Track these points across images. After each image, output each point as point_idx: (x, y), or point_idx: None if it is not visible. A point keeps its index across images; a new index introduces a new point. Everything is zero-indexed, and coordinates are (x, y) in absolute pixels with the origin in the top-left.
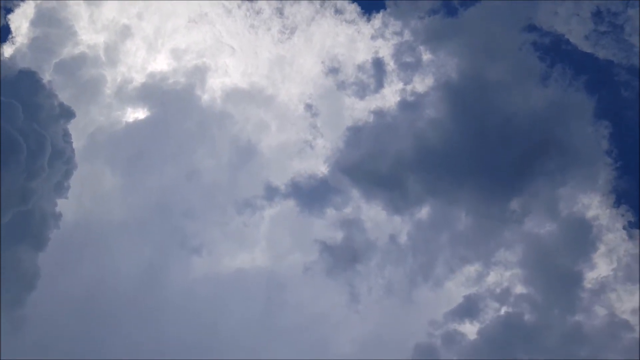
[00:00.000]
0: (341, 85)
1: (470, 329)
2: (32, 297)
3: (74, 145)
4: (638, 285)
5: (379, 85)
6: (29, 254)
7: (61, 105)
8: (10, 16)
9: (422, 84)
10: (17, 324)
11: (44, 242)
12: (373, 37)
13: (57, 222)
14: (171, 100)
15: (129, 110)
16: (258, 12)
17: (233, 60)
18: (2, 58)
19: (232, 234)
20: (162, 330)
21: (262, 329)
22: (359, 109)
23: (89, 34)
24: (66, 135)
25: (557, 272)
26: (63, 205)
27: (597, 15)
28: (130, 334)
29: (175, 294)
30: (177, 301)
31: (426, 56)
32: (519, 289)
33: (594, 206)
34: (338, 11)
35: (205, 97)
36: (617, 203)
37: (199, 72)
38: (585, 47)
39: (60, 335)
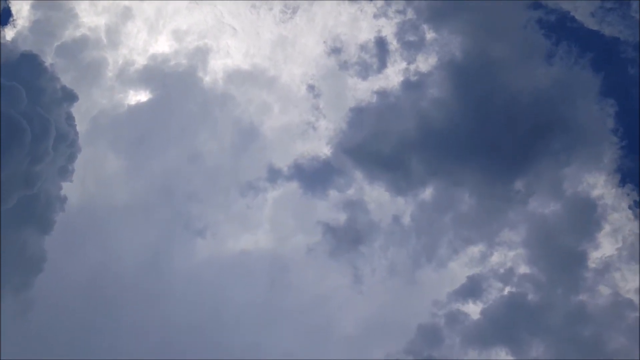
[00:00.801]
0: (344, 66)
1: (473, 309)
2: (39, 280)
3: (77, 128)
4: None
5: (382, 65)
6: (35, 238)
7: (64, 88)
8: None
9: (425, 63)
10: (24, 307)
11: (50, 225)
12: (376, 16)
13: (63, 205)
14: (173, 83)
15: (131, 92)
16: None
17: (235, 41)
18: (3, 41)
19: (236, 216)
20: (167, 312)
21: (265, 311)
22: (362, 90)
23: (89, 16)
24: (69, 119)
25: (561, 252)
26: (68, 188)
27: None
28: (136, 316)
29: (180, 276)
30: (181, 283)
31: (429, 35)
32: (523, 269)
33: (599, 185)
34: None
35: (207, 79)
36: (622, 182)
37: (201, 54)
38: (591, 24)
39: (68, 317)
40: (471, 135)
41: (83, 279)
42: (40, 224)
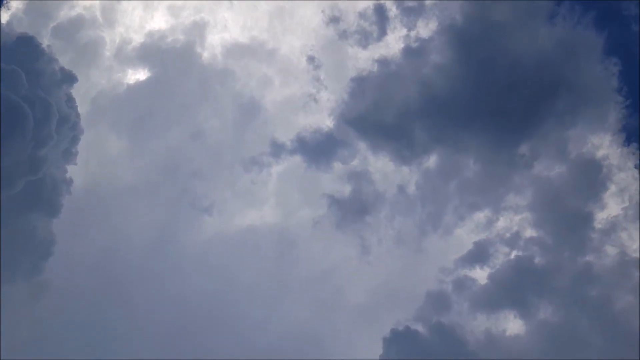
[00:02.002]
0: (343, 35)
1: (480, 274)
2: (50, 264)
3: (78, 110)
4: None
5: (382, 32)
6: (43, 221)
7: (62, 70)
8: None
9: (426, 28)
10: (37, 290)
11: (57, 208)
12: None
13: (69, 188)
14: (171, 59)
15: (130, 71)
16: None
17: (232, 14)
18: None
19: (241, 192)
20: (178, 289)
21: (275, 284)
22: (363, 59)
23: None
24: (70, 101)
25: (567, 214)
26: (72, 171)
27: None
28: (148, 294)
29: (189, 253)
30: (190, 260)
31: None
32: (529, 232)
33: (604, 146)
34: None
35: (206, 54)
36: (627, 142)
37: (198, 29)
38: None
39: (80, 298)
40: (474, 100)
41: (93, 260)
42: (48, 208)
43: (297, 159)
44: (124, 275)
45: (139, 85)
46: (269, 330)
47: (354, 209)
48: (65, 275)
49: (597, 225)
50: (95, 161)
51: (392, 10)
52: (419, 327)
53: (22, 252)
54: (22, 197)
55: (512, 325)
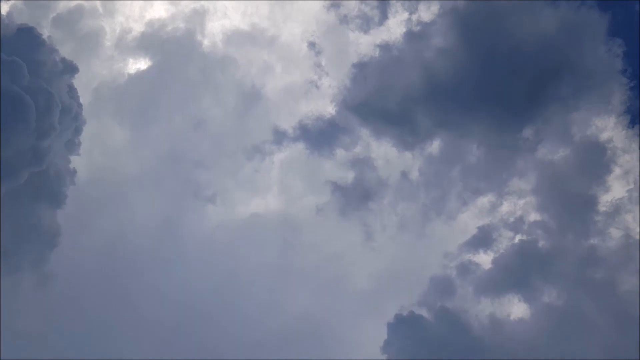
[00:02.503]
0: (344, 20)
1: (484, 259)
2: (56, 253)
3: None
4: None
5: (383, 16)
6: (48, 212)
7: (63, 60)
8: None
9: (427, 12)
10: (42, 280)
11: (62, 199)
12: None
13: (73, 178)
14: (172, 48)
15: (131, 61)
16: None
17: (232, 1)
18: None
19: (244, 180)
20: (183, 278)
21: (279, 270)
22: (364, 44)
23: None
24: (72, 91)
25: (572, 197)
26: (76, 161)
27: None
28: (153, 282)
29: (194, 242)
30: (195, 249)
31: None
32: (533, 216)
33: (609, 128)
34: None
35: (206, 42)
36: (632, 123)
37: (198, 16)
38: None
39: (86, 288)
40: (477, 84)
41: (99, 249)
42: (52, 199)
43: (300, 146)
44: (129, 265)
45: (140, 74)
46: (274, 316)
47: (357, 196)
48: (71, 265)
49: (601, 208)
50: (98, 151)
51: None
52: (423, 312)
53: (27, 243)
54: (26, 188)
55: (517, 309)
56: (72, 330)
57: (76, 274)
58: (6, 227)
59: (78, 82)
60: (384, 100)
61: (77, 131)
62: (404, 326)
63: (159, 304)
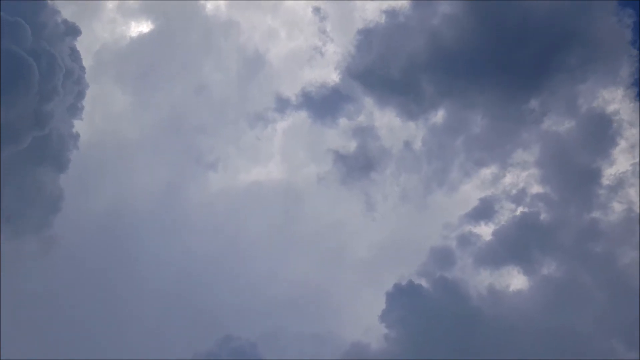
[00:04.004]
0: None
1: (485, 231)
2: (59, 218)
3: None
4: None
5: None
6: (51, 176)
7: (65, 22)
8: None
9: None
10: (46, 245)
11: (65, 163)
12: None
13: (76, 142)
14: (174, 12)
15: (133, 24)
16: None
17: None
18: None
19: (246, 148)
20: (184, 244)
21: (280, 239)
22: (370, 10)
23: None
24: (74, 54)
25: (575, 170)
26: (78, 126)
27: None
28: (155, 248)
29: (195, 208)
30: (197, 215)
31: None
32: (536, 188)
33: (616, 100)
34: None
35: (209, 6)
36: None
37: None
38: None
39: (89, 253)
40: (484, 53)
41: (102, 214)
42: (56, 163)
43: (302, 114)
44: (131, 230)
45: (142, 38)
46: (273, 284)
47: (359, 165)
48: (74, 230)
49: (605, 181)
50: (100, 116)
51: None
52: (422, 282)
53: (30, 207)
54: (29, 152)
55: (516, 281)
56: (75, 293)
57: (79, 238)
58: (10, 191)
59: (80, 45)
60: (389, 68)
61: (80, 95)
62: (403, 296)
63: (160, 268)
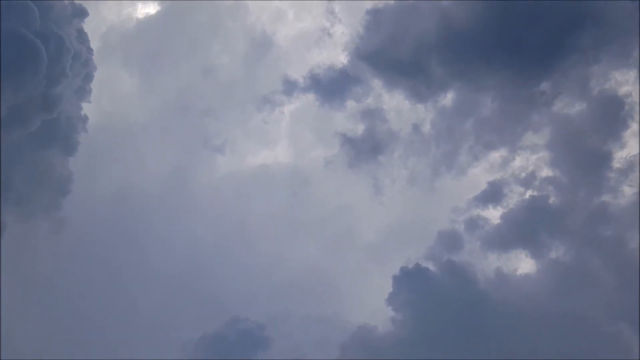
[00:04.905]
0: None
1: (493, 214)
2: (68, 201)
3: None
4: None
5: None
6: (60, 159)
7: (72, 4)
8: None
9: None
10: (56, 226)
11: (74, 146)
12: None
13: (85, 125)
14: None
15: (140, 5)
16: None
17: None
18: None
19: (253, 131)
20: (192, 226)
21: (287, 222)
22: None
23: None
24: (81, 36)
25: (586, 153)
26: (87, 108)
27: None
28: (163, 230)
29: (202, 191)
30: (204, 198)
31: None
32: (545, 172)
33: (629, 82)
34: None
35: None
36: None
37: None
38: None
39: (98, 235)
40: (495, 34)
41: (110, 196)
42: (64, 146)
43: (310, 97)
44: (138, 212)
45: (149, 19)
46: (280, 268)
47: (367, 148)
48: (82, 211)
49: (616, 164)
50: (107, 99)
51: None
52: (430, 265)
53: (40, 190)
54: (38, 135)
55: (524, 264)
56: (83, 274)
57: (88, 220)
58: (19, 174)
59: (86, 27)
60: (398, 49)
61: (88, 77)
62: (410, 279)
63: (168, 250)
